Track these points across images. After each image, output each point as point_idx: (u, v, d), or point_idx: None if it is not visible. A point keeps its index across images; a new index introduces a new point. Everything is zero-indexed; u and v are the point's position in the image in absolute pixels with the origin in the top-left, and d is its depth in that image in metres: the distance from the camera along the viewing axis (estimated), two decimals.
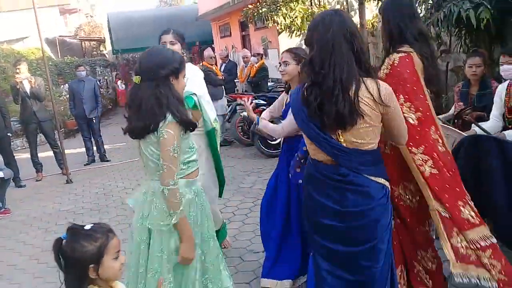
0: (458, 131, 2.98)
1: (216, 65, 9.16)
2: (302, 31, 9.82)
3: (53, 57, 18.52)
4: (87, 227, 1.68)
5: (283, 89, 3.80)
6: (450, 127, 3.13)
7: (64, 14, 23.98)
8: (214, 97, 7.77)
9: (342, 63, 1.81)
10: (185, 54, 3.26)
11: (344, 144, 1.89)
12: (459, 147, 2.70)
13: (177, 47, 3.17)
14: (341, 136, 1.89)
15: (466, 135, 2.80)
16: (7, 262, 4.33)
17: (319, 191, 2.00)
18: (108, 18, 17.27)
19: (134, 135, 2.20)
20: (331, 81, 1.81)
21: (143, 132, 2.12)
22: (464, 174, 2.68)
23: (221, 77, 8.24)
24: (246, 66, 8.67)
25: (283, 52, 3.06)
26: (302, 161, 2.71)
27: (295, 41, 10.17)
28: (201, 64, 9.22)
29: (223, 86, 8.29)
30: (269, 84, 9.16)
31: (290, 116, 2.74)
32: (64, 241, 1.65)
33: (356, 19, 7.25)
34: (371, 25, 8.95)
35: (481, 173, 2.56)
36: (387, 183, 1.98)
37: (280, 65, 2.97)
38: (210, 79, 6.75)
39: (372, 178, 1.93)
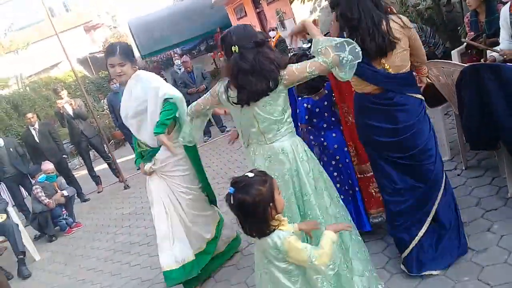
0: (462, 64, 3.05)
1: None
2: None
3: (88, 75, 19.39)
4: (250, 174, 1.84)
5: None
6: (453, 62, 3.20)
7: (89, 32, 24.81)
8: None
9: (368, 9, 2.32)
10: (137, 68, 3.03)
11: (390, 70, 2.38)
12: (461, 78, 2.79)
13: (126, 68, 2.91)
14: (386, 65, 2.37)
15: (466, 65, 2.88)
16: (87, 267, 4.86)
17: (372, 117, 2.50)
18: (129, 26, 17.70)
19: (255, 98, 2.21)
20: (364, 23, 2.31)
21: (265, 92, 2.18)
22: (470, 102, 2.79)
23: None
24: None
25: None
26: (305, 129, 2.96)
27: (307, 6, 10.12)
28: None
29: None
30: (289, 54, 9.21)
31: None
32: (232, 194, 1.80)
33: None
34: None
35: (484, 98, 2.65)
36: (422, 97, 2.50)
37: None
38: None
39: (412, 94, 2.45)
